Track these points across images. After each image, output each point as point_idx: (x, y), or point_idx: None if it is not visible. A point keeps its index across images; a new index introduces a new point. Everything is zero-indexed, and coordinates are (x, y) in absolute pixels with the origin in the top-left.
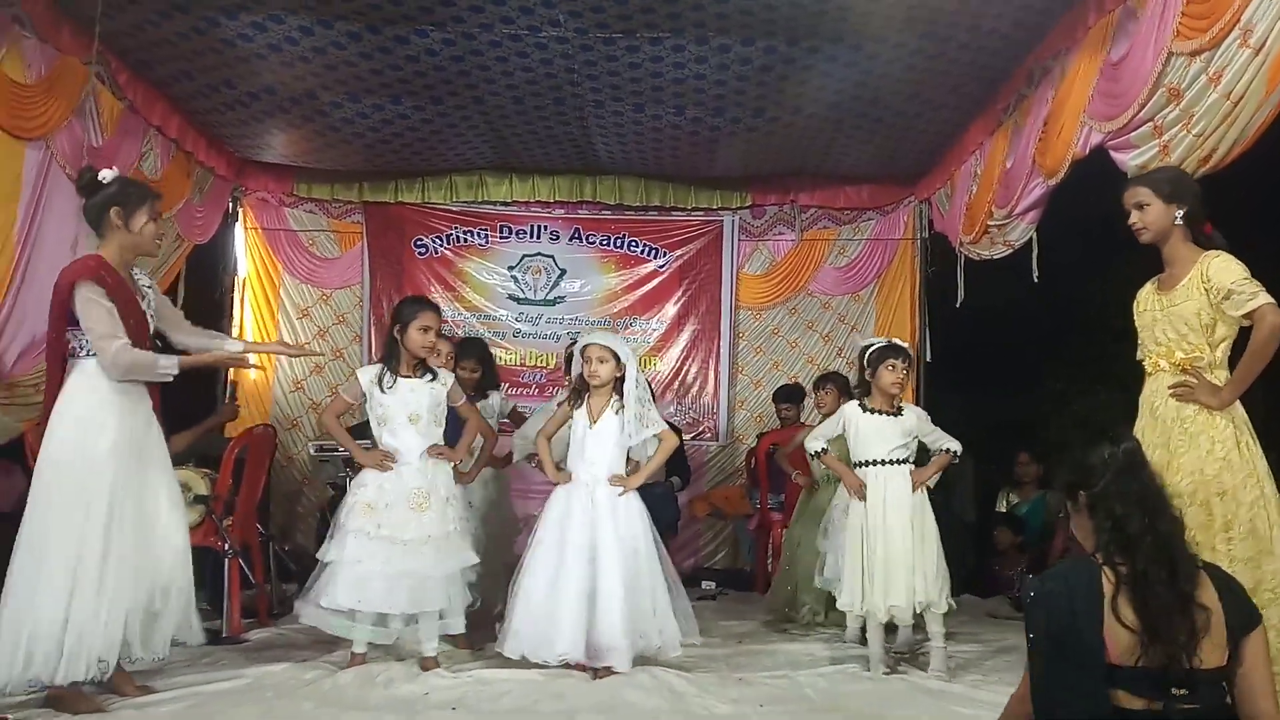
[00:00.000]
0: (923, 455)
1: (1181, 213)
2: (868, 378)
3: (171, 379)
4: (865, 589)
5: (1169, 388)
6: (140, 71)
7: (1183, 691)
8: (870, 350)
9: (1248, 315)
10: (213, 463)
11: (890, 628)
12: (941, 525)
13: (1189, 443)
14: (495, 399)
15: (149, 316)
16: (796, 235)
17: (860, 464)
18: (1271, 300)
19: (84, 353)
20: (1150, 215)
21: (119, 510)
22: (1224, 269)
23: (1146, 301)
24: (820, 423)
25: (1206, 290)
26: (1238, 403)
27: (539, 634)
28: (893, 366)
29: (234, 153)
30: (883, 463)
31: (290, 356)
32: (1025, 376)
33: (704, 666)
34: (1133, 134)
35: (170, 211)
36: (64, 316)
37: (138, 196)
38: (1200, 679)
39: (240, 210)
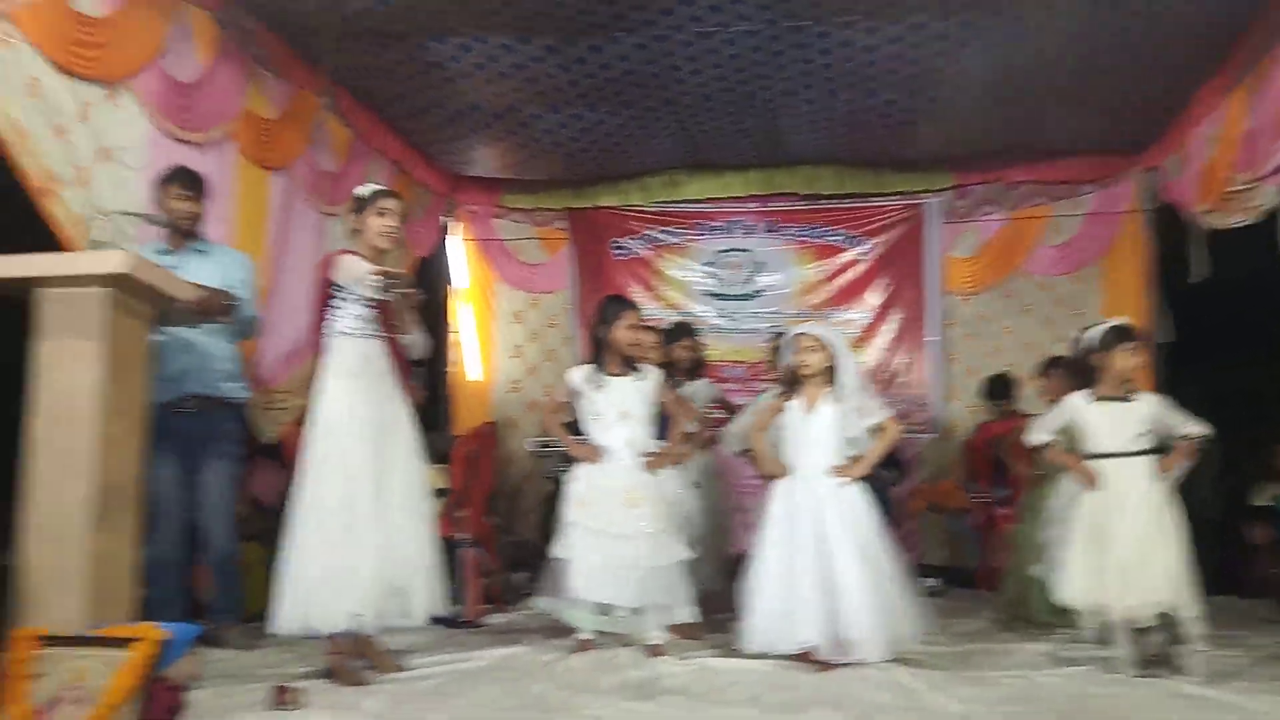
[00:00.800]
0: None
1: None
2: (1096, 363)
3: (356, 367)
4: (1097, 586)
5: None
6: (362, 99)
7: None
8: (1101, 333)
9: None
10: (444, 458)
11: (1137, 629)
12: (1187, 520)
13: None
14: (703, 384)
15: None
16: (1006, 214)
17: (1094, 457)
18: None
19: (338, 334)
20: None
21: (364, 474)
22: None
23: None
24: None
25: None
26: None
27: (775, 628)
28: (1129, 350)
29: (446, 169)
30: (1120, 454)
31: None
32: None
33: (933, 664)
34: None
35: None
36: (324, 296)
37: (367, 200)
38: None
39: (455, 223)
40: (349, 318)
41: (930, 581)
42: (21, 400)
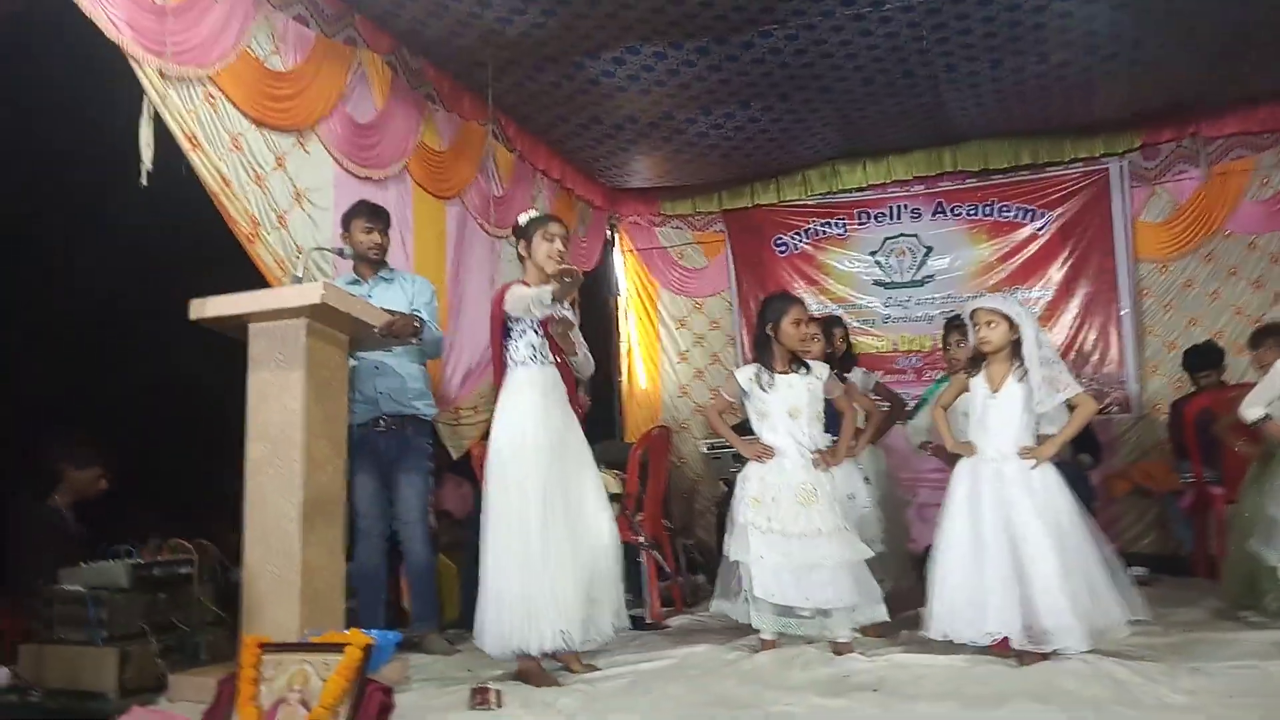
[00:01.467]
0: None
1: None
2: None
3: (548, 305)
4: None
5: None
6: (524, 123)
7: None
8: None
9: None
10: (621, 466)
11: None
12: None
13: None
14: (859, 373)
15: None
16: (1203, 171)
17: None
18: None
19: (514, 363)
20: None
21: (550, 496)
22: None
23: None
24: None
25: None
26: None
27: (961, 615)
28: None
29: (606, 184)
30: None
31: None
32: None
33: (1147, 655)
34: None
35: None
36: (501, 331)
37: (531, 227)
38: None
39: (616, 235)
40: (524, 347)
41: (1138, 570)
42: (240, 427)
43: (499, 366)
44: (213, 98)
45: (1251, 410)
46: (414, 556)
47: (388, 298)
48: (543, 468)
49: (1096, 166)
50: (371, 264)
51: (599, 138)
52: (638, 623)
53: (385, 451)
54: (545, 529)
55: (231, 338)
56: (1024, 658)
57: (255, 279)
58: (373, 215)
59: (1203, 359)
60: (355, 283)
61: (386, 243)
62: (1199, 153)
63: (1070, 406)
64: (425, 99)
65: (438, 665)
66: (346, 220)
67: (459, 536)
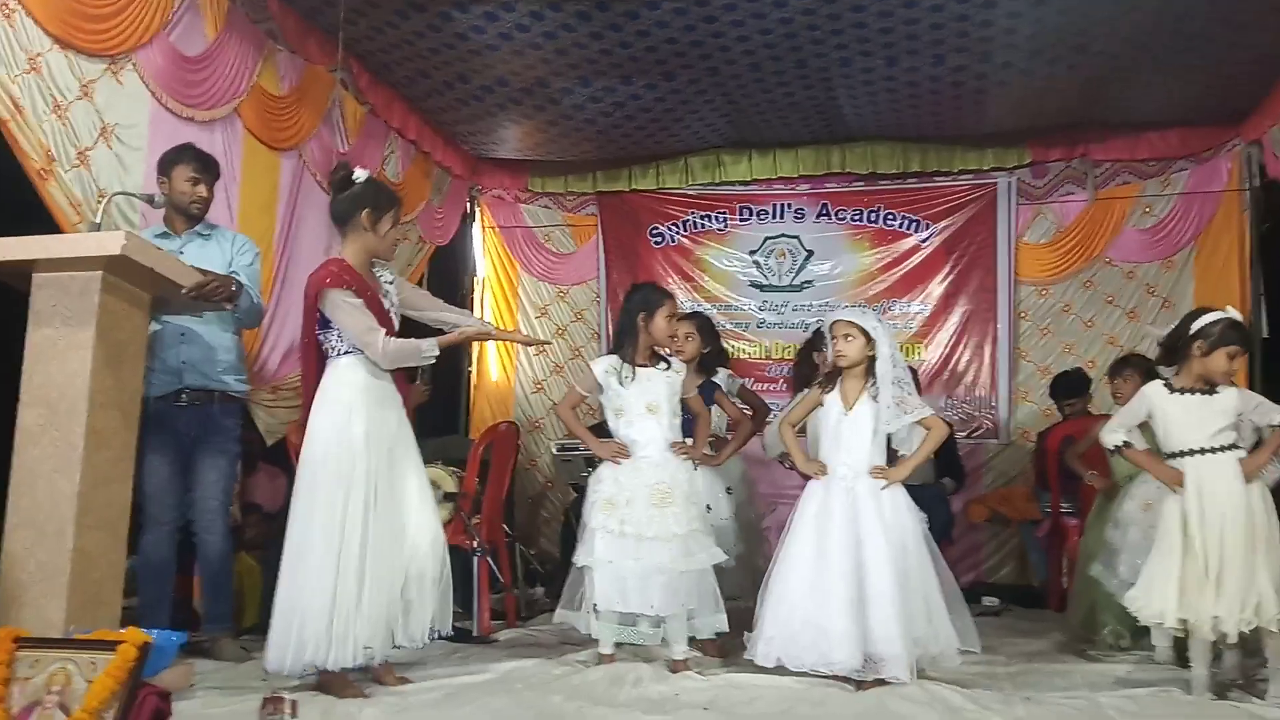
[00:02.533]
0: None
1: None
2: (1194, 353)
3: (434, 359)
4: (1171, 594)
5: None
6: (380, 75)
7: None
8: (1209, 322)
9: None
10: (461, 463)
11: (1215, 649)
12: None
13: None
14: (723, 376)
15: (392, 314)
16: (1089, 194)
17: (1173, 455)
18: None
19: (336, 353)
20: None
21: (374, 500)
22: None
23: None
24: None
25: None
26: None
27: (801, 641)
28: (1233, 354)
29: (469, 151)
30: (1202, 451)
31: (523, 345)
32: None
33: (984, 683)
34: None
35: (412, 214)
36: (314, 320)
37: (387, 201)
38: None
39: (477, 209)
40: (334, 336)
41: (990, 600)
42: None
43: (310, 356)
44: (9, 9)
45: (1112, 435)
46: (210, 551)
47: (203, 256)
48: (365, 468)
49: (985, 180)
50: (188, 218)
51: (464, 98)
52: (463, 635)
53: (185, 430)
54: (362, 535)
55: (15, 288)
56: (863, 684)
57: (46, 222)
58: (202, 165)
59: (1069, 387)
60: (165, 235)
61: (211, 198)
62: (1086, 175)
63: (924, 428)
64: (266, 36)
65: (228, 672)
66: (167, 165)
67: (267, 532)
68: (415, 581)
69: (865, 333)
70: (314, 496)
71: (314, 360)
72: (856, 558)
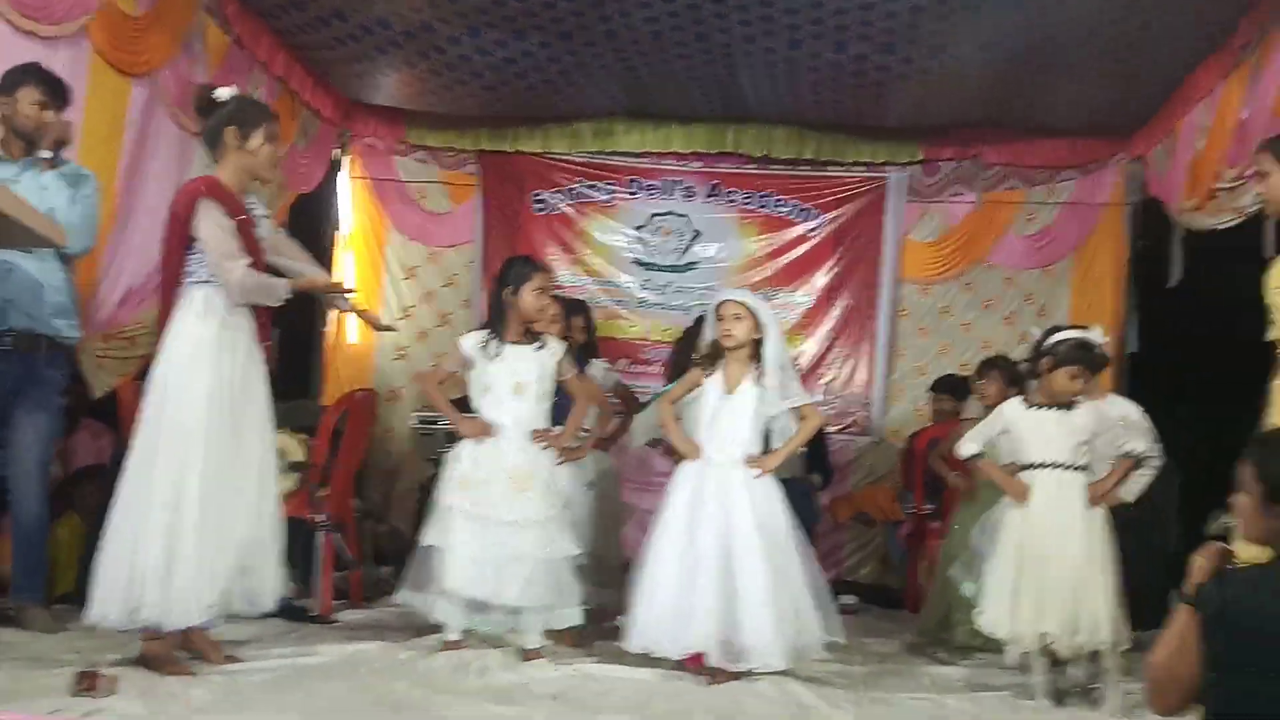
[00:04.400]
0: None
1: None
2: (1042, 369)
3: (282, 302)
4: (1008, 608)
5: None
6: (248, 2)
7: None
8: (1058, 341)
9: None
10: (310, 430)
11: (1062, 659)
12: (1141, 550)
13: None
14: (599, 368)
15: (262, 245)
16: (977, 197)
17: (1024, 468)
18: None
19: (192, 279)
20: (1273, 185)
21: (215, 456)
22: None
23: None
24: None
25: None
26: None
27: (666, 627)
28: (1074, 375)
29: (342, 94)
30: (1049, 466)
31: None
32: (1256, 375)
33: (837, 682)
34: None
35: None
36: (181, 238)
37: (255, 115)
38: None
39: (346, 158)
40: (194, 260)
41: (848, 598)
42: None
43: (170, 282)
44: None
45: (966, 446)
46: (22, 512)
47: (38, 187)
48: (213, 415)
49: (876, 174)
50: (28, 144)
51: (340, 37)
52: (302, 614)
53: (3, 378)
54: (205, 488)
55: None
56: (716, 676)
57: None
58: (51, 89)
59: (947, 388)
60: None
61: (57, 123)
62: (975, 176)
63: (799, 418)
64: None
65: (38, 644)
66: (9, 85)
67: (84, 494)
68: (257, 546)
69: (754, 314)
70: (155, 448)
71: (174, 286)
72: (728, 547)
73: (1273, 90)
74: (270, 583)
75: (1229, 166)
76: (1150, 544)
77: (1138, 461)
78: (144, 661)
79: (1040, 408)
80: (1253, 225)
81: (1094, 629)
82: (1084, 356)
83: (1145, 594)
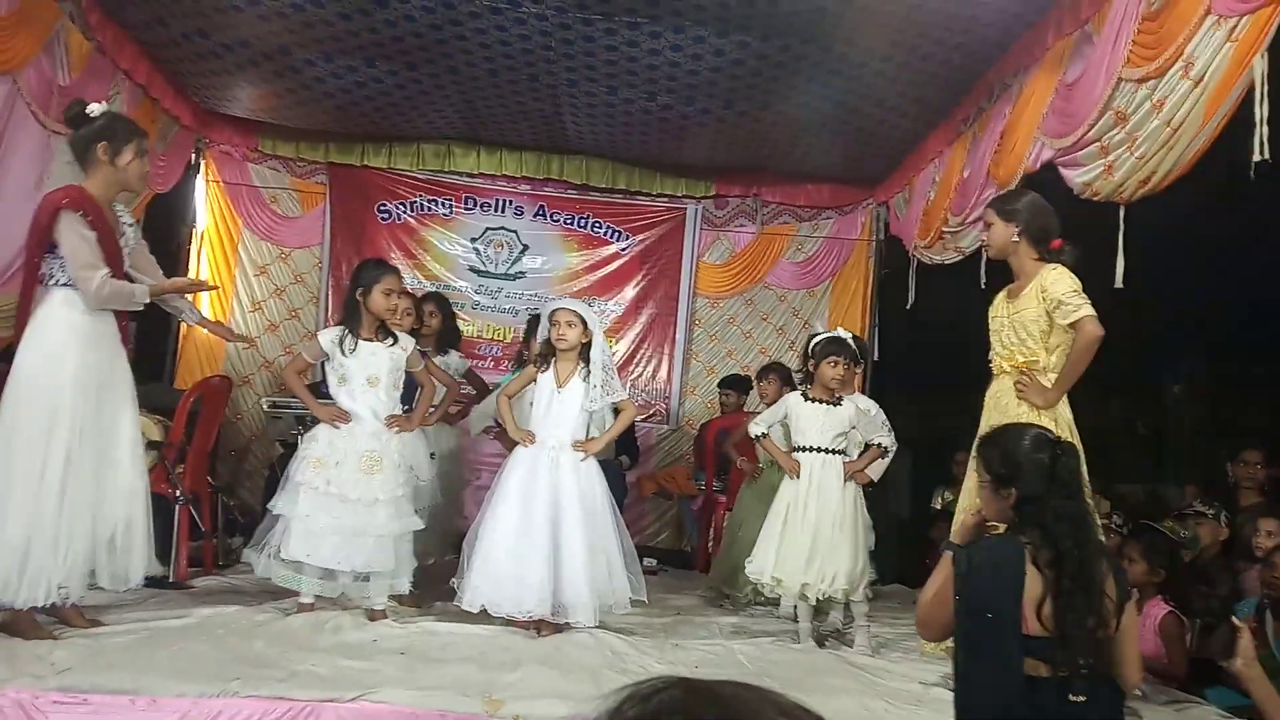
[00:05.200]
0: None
1: (1018, 230)
2: (811, 369)
3: (142, 307)
4: (778, 562)
5: (1015, 384)
6: (112, 13)
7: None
8: (815, 342)
9: (1072, 325)
10: (166, 412)
11: (822, 608)
12: (876, 519)
13: None
14: (454, 357)
15: (125, 252)
16: (757, 228)
17: (797, 449)
18: (1093, 314)
19: (54, 281)
20: (993, 233)
21: (80, 440)
22: (1058, 281)
23: (998, 308)
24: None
25: (1043, 299)
26: (1063, 403)
27: (501, 589)
28: (834, 362)
29: (200, 104)
30: (817, 450)
31: (227, 340)
32: (970, 379)
33: (642, 633)
34: (1080, 152)
35: None
36: (42, 243)
37: (125, 132)
38: (1099, 651)
39: (202, 162)
40: (56, 265)
41: (650, 561)
42: None
43: (30, 282)
44: None
45: (755, 427)
46: None
47: None
48: (71, 408)
49: (677, 204)
50: None
51: (202, 54)
52: (160, 582)
53: None
54: (63, 476)
55: None
56: (541, 629)
57: None
58: None
59: (735, 383)
60: None
61: None
62: (757, 211)
63: (615, 410)
64: None
65: None
66: None
67: None
68: (124, 527)
69: (584, 321)
70: (14, 433)
71: (33, 285)
72: (555, 519)
73: (988, 155)
74: (139, 560)
75: (953, 215)
76: (886, 512)
77: (884, 450)
78: (5, 628)
79: (815, 402)
80: (973, 261)
81: (844, 579)
82: (838, 345)
83: (883, 553)
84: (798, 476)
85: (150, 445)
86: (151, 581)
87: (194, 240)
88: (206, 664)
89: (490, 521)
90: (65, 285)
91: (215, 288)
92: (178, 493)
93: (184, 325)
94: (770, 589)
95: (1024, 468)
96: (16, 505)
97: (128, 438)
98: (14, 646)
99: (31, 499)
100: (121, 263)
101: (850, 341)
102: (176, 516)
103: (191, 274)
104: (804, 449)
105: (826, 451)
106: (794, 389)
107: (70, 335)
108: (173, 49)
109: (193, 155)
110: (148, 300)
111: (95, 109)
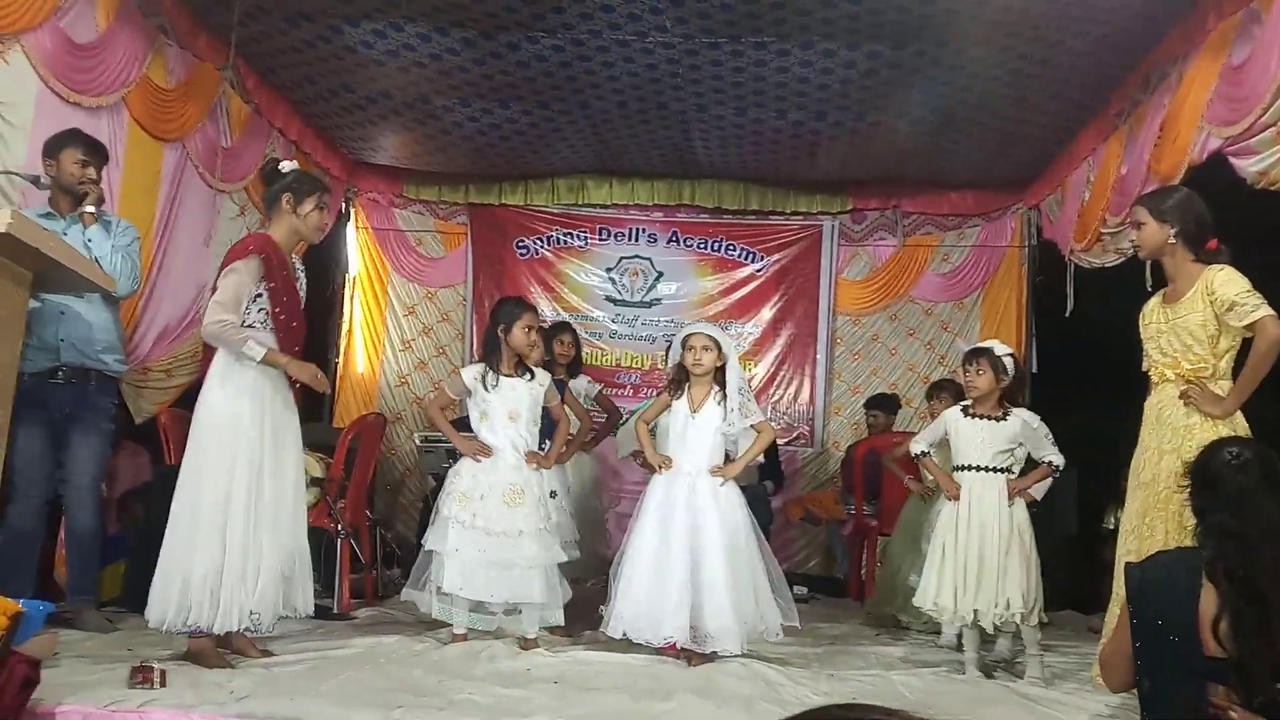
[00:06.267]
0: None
1: (1174, 231)
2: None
3: (253, 363)
4: (943, 589)
5: (1180, 394)
6: (266, 77)
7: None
8: (963, 352)
9: (1249, 326)
10: (326, 449)
11: (988, 636)
12: (1042, 539)
13: (1194, 450)
14: (583, 381)
15: (301, 297)
16: (898, 241)
17: (958, 468)
18: (1273, 313)
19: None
20: (1145, 234)
21: (260, 475)
22: (1228, 282)
23: (1153, 314)
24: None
25: (1211, 302)
26: (1239, 412)
27: (643, 616)
28: (967, 370)
29: (348, 154)
30: (979, 469)
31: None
32: (1140, 388)
33: (796, 662)
34: (1253, 139)
35: None
36: None
37: (308, 186)
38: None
39: (352, 210)
40: (254, 312)
41: (800, 589)
42: None
43: None
44: None
45: (916, 445)
46: (78, 524)
47: (85, 237)
48: (255, 445)
49: (812, 222)
50: (74, 199)
51: (348, 107)
52: (324, 612)
53: (59, 406)
54: (248, 508)
55: None
56: (692, 659)
57: None
58: (90, 149)
59: (878, 404)
60: (49, 216)
61: (99, 181)
62: (897, 223)
63: (755, 431)
64: (157, 30)
65: (92, 642)
66: (54, 148)
67: (133, 512)
68: (298, 556)
69: (718, 345)
70: (203, 466)
71: None
72: (695, 545)
73: (1147, 149)
74: (308, 591)
75: (1112, 215)
76: (1053, 532)
77: (1055, 469)
78: (190, 657)
79: (976, 417)
80: (1136, 262)
81: (1016, 606)
82: (974, 353)
83: (1051, 575)
84: (956, 499)
85: (313, 482)
86: (318, 612)
87: (347, 285)
88: (371, 692)
89: (631, 549)
90: (249, 326)
91: (326, 391)
92: (339, 527)
93: (340, 366)
94: (937, 616)
95: (1199, 478)
96: (205, 539)
97: (292, 476)
98: (198, 675)
99: (218, 532)
100: (299, 307)
101: (996, 350)
102: (339, 550)
103: (345, 317)
104: (963, 468)
105: (988, 470)
106: None
107: (250, 379)
108: (321, 104)
109: (343, 204)
110: (258, 359)
111: (286, 165)
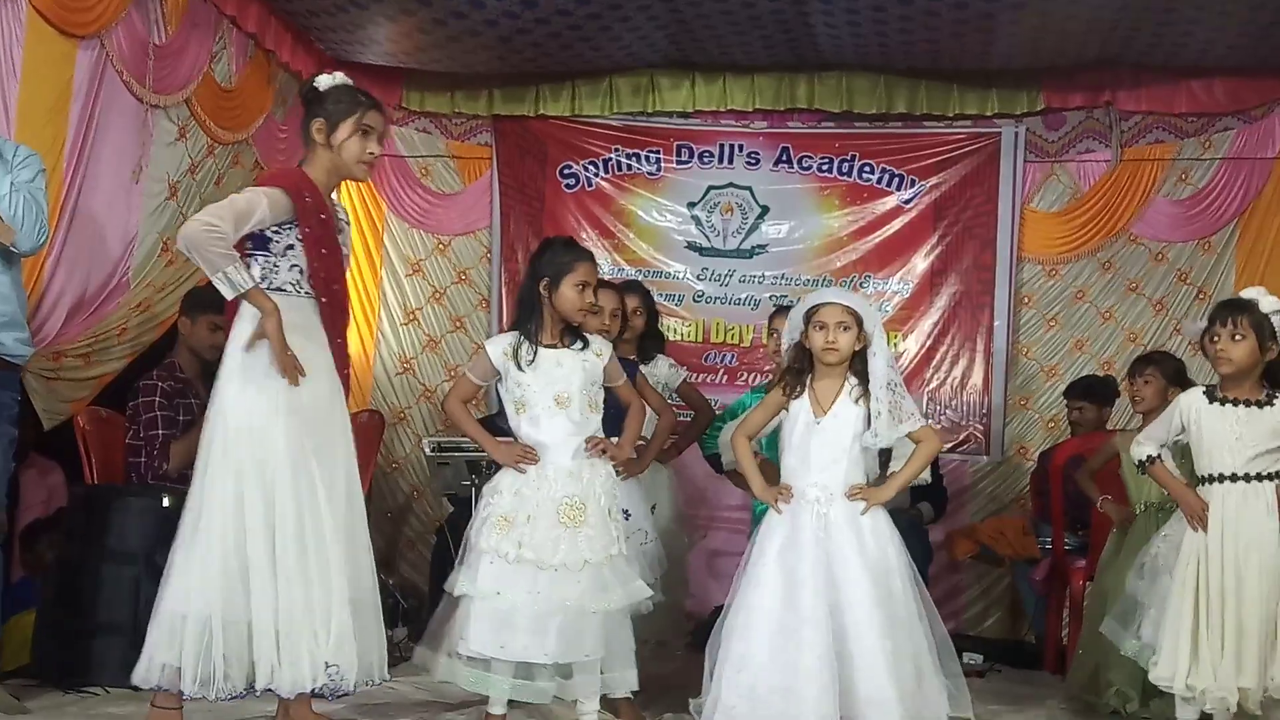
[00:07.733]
0: None
1: None
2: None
3: (229, 295)
4: (1198, 662)
5: None
6: None
7: None
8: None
9: None
10: None
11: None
12: None
13: None
14: (663, 366)
15: (344, 250)
16: (1114, 154)
17: (1204, 479)
18: None
19: (265, 285)
20: None
21: (307, 484)
22: None
23: None
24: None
25: None
26: None
27: (765, 704)
28: (1219, 333)
29: (325, 51)
30: (1238, 478)
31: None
32: None
33: None
34: None
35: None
36: (244, 235)
37: (346, 106)
38: None
39: None
40: (285, 268)
41: (973, 658)
42: None
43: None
44: None
45: (1140, 448)
46: None
47: None
48: (295, 443)
49: (986, 129)
50: None
51: None
52: None
53: None
54: (300, 529)
55: None
56: None
57: None
58: None
59: (1085, 391)
60: None
61: None
62: (1111, 129)
63: (912, 441)
64: None
65: None
66: None
67: (37, 545)
68: (362, 603)
69: (859, 320)
70: (228, 480)
71: (236, 302)
72: (833, 602)
73: None
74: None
75: None
76: None
77: None
78: None
79: (1227, 403)
80: None
81: None
82: (1228, 307)
83: None
84: (1202, 527)
85: None
86: None
87: None
88: None
89: (743, 613)
90: (277, 290)
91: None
92: None
93: None
94: (1190, 700)
95: None
96: (261, 581)
97: (343, 488)
98: None
99: (265, 561)
100: (340, 262)
101: (1262, 306)
102: None
103: None
104: (1211, 478)
105: (1249, 479)
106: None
107: (271, 365)
108: None
109: None
110: (243, 290)
111: (325, 81)
